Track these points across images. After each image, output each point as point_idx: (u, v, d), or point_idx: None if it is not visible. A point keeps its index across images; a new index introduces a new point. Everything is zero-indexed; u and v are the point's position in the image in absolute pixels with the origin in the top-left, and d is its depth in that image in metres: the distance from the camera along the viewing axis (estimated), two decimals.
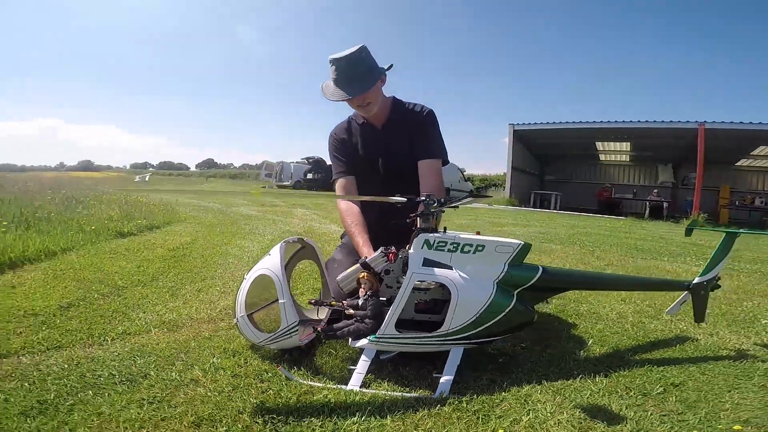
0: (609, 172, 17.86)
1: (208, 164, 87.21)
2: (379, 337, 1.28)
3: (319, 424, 1.03)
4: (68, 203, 5.32)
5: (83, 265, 2.67)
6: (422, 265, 1.30)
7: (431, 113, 1.95)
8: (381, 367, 1.35)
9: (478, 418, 1.08)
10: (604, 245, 4.98)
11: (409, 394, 1.19)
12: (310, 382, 1.24)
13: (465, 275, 1.30)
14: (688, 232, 1.77)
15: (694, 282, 1.61)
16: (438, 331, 1.28)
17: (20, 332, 1.58)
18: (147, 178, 18.18)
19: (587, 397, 1.23)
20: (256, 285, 1.42)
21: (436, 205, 1.35)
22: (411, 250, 1.33)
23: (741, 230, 1.64)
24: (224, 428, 0.99)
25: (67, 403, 1.09)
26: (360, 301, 1.33)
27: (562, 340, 1.73)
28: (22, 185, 6.97)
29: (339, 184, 1.98)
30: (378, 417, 1.06)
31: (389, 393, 1.19)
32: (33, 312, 1.80)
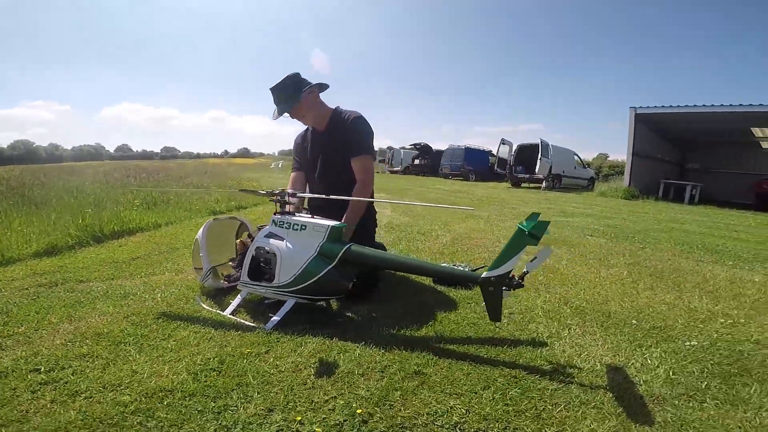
0: None
1: None
2: (242, 282, 1.92)
3: (182, 324, 1.76)
4: (192, 189, 7.12)
5: (168, 234, 3.90)
6: (264, 237, 1.89)
7: (356, 119, 2.37)
8: (260, 306, 1.99)
9: (256, 343, 1.59)
10: (669, 243, 4.38)
11: (250, 324, 1.78)
12: (206, 306, 1.96)
13: (290, 246, 1.83)
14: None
15: (482, 276, 1.61)
16: (272, 283, 1.84)
17: (100, 270, 2.68)
18: (280, 165, 21.27)
19: (339, 357, 1.50)
20: (194, 246, 2.20)
21: (286, 198, 1.95)
22: (266, 226, 1.93)
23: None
24: (135, 318, 1.80)
25: (89, 302, 2.05)
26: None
27: (406, 318, 1.87)
28: (163, 174, 9.35)
29: (290, 177, 2.60)
30: (217, 329, 1.72)
31: (241, 320, 1.82)
32: (115, 261, 2.93)
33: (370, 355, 1.53)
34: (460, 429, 1.16)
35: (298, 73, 2.31)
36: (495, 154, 19.14)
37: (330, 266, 1.78)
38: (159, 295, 2.14)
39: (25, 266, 2.80)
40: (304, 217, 1.91)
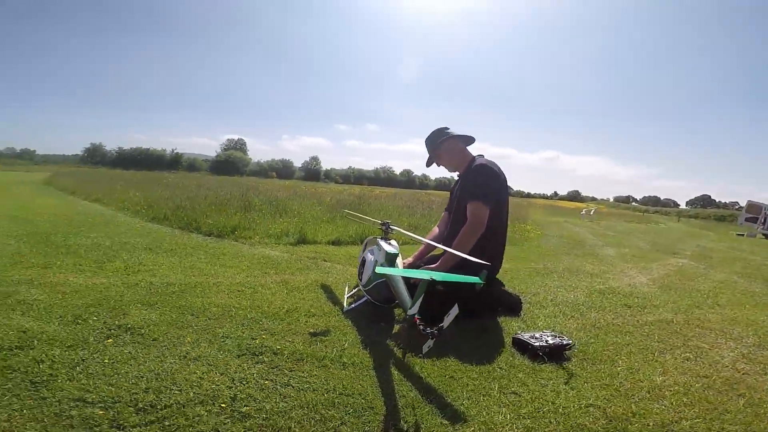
0: None
1: (703, 201, 74.39)
2: (359, 285, 2.65)
3: (314, 298, 2.68)
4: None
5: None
6: (367, 252, 2.58)
7: (478, 166, 2.62)
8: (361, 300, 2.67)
9: (317, 312, 2.35)
10: None
11: (344, 305, 2.49)
12: (347, 288, 2.81)
13: (371, 260, 2.44)
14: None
15: (408, 311, 1.71)
16: (360, 283, 2.49)
17: (335, 256, 4.12)
18: (592, 213, 19.39)
19: (334, 336, 2.02)
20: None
21: (389, 230, 2.58)
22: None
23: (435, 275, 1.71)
24: (290, 285, 2.91)
25: (294, 268, 3.45)
26: None
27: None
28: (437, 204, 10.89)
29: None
30: (325, 298, 2.60)
31: (342, 302, 2.55)
32: (349, 254, 4.32)
33: (339, 342, 1.97)
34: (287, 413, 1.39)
35: (444, 127, 2.75)
36: None
37: (379, 280, 2.31)
38: (327, 276, 3.26)
39: (314, 246, 4.67)
40: (384, 243, 2.46)
